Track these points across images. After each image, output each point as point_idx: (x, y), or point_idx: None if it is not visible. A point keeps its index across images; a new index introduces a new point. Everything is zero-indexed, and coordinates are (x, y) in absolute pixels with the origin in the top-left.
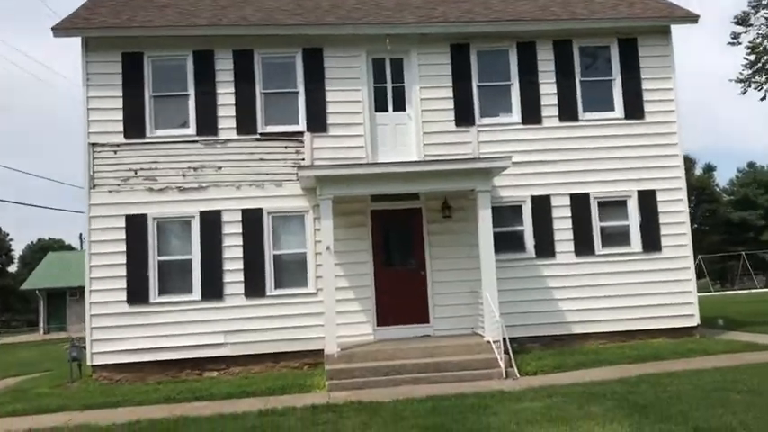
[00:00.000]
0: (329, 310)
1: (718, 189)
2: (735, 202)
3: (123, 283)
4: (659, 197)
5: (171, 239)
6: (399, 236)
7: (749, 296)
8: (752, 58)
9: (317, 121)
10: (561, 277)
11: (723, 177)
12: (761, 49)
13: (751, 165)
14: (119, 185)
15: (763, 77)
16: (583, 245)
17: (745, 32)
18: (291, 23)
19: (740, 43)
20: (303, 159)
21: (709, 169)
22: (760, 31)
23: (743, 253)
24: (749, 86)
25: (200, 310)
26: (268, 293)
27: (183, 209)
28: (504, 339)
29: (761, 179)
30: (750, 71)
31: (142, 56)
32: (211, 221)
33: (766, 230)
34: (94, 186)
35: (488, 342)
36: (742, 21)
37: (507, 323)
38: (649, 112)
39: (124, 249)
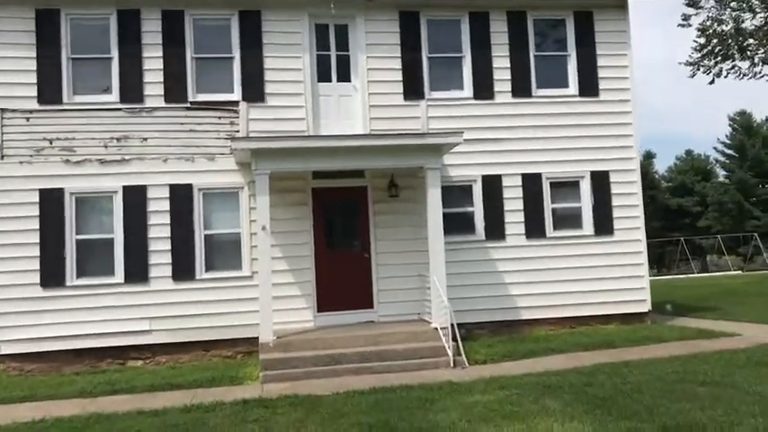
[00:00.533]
0: (264, 294)
1: (657, 176)
2: (673, 189)
3: (36, 264)
4: (612, 178)
5: (90, 217)
6: (343, 216)
7: (689, 281)
8: (702, 40)
9: (254, 90)
10: (511, 260)
11: (662, 164)
12: (711, 32)
13: (689, 152)
14: (31, 156)
15: (712, 61)
16: (534, 227)
17: (696, 14)
18: None
19: (690, 25)
20: (238, 131)
21: (649, 156)
22: (710, 14)
23: (681, 239)
24: (698, 70)
25: (122, 294)
26: (198, 276)
27: (104, 183)
28: (452, 326)
29: (698, 166)
30: (699, 54)
31: (59, 13)
32: (136, 197)
33: (702, 217)
34: (3, 157)
35: (435, 329)
36: (693, 3)
37: (455, 308)
38: (604, 90)
39: (37, 227)
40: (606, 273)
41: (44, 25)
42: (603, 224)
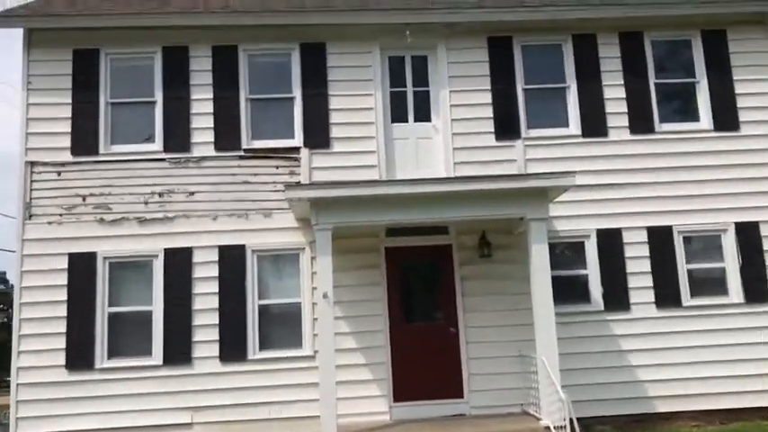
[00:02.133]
0: (327, 380)
1: None
2: None
3: (62, 343)
4: (764, 231)
5: (126, 285)
6: (423, 282)
7: None
8: None
9: (318, 135)
10: (638, 337)
11: None
12: None
13: None
14: (61, 215)
15: None
16: (666, 294)
17: None
18: (286, 10)
19: None
20: (299, 182)
21: None
22: None
23: None
24: None
25: (161, 378)
26: (251, 357)
27: (143, 246)
28: (571, 422)
29: None
30: None
31: (99, 53)
32: (179, 262)
33: None
34: (30, 216)
35: (547, 428)
36: None
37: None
38: (745, 123)
39: (65, 298)
40: (765, 351)
41: (82, 67)
42: (755, 289)
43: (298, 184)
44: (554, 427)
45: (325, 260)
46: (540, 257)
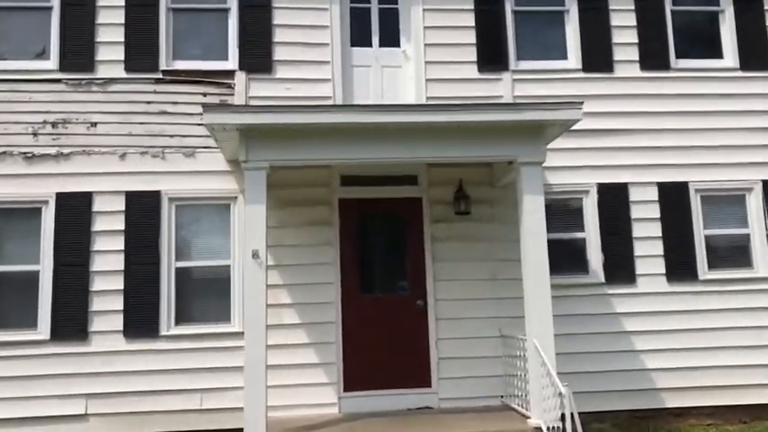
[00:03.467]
0: (254, 363)
1: None
2: None
3: None
4: None
5: (6, 239)
6: (385, 243)
7: None
8: None
9: (257, 56)
10: (645, 316)
11: None
12: None
13: None
14: None
15: None
16: (679, 264)
17: None
18: None
19: None
20: (223, 103)
21: None
22: None
23: None
24: None
25: (48, 357)
26: (164, 332)
27: (29, 189)
28: (572, 420)
29: None
30: None
31: None
32: (75, 211)
33: None
34: None
35: (538, 429)
36: None
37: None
38: None
39: None
40: None
41: None
42: None
43: (221, 106)
44: (548, 429)
45: (257, 209)
46: (533, 214)
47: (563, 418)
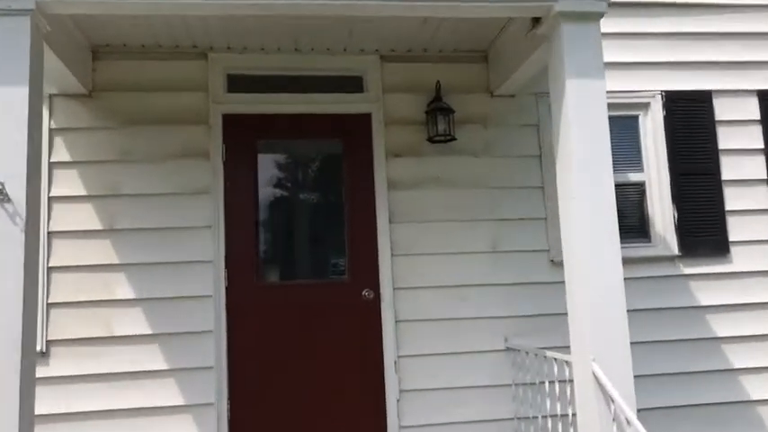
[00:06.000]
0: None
1: None
2: None
3: None
4: None
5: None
6: (306, 193)
7: None
8: None
9: None
10: (746, 311)
11: None
12: None
13: None
14: None
15: None
16: None
17: None
18: None
19: None
20: None
21: None
22: None
23: None
24: None
25: None
26: None
27: None
28: None
29: None
30: None
31: None
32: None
33: None
34: None
35: None
36: None
37: None
38: None
39: None
40: None
41: None
42: None
43: None
44: None
45: (10, 97)
46: (585, 124)
47: None
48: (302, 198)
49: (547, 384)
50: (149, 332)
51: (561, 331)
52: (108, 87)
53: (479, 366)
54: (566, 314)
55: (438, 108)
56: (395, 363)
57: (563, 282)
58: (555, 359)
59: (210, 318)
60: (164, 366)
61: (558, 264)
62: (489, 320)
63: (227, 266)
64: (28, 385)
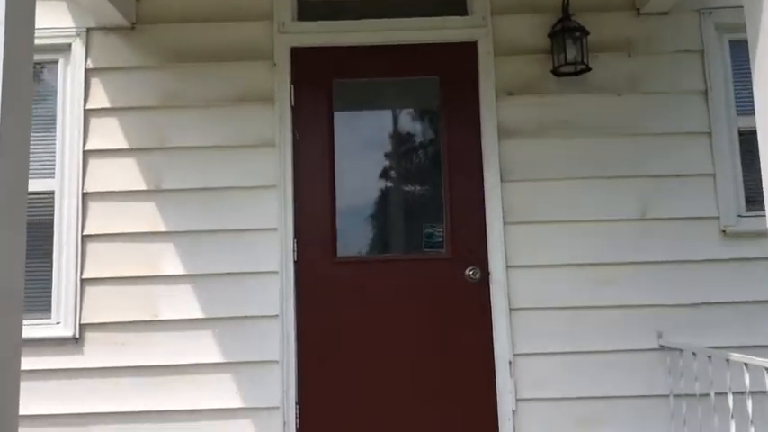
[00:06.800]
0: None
1: None
2: None
3: None
4: None
5: None
6: (395, 144)
7: None
8: None
9: None
10: None
11: None
12: None
13: None
14: None
15: None
16: None
17: None
18: None
19: None
20: None
21: None
22: None
23: None
24: None
25: None
26: None
27: None
28: None
29: None
30: None
31: None
32: None
33: None
34: None
35: None
36: None
37: None
38: None
39: None
40: None
41: None
42: None
43: None
44: None
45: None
46: None
47: None
48: (389, 152)
49: (730, 398)
50: (200, 316)
51: (735, 326)
52: (154, 19)
53: (623, 370)
54: (742, 303)
55: (566, 29)
56: (509, 363)
57: (739, 259)
58: (745, 364)
59: (275, 299)
60: (217, 359)
61: (731, 235)
62: (636, 310)
63: (296, 236)
64: None
